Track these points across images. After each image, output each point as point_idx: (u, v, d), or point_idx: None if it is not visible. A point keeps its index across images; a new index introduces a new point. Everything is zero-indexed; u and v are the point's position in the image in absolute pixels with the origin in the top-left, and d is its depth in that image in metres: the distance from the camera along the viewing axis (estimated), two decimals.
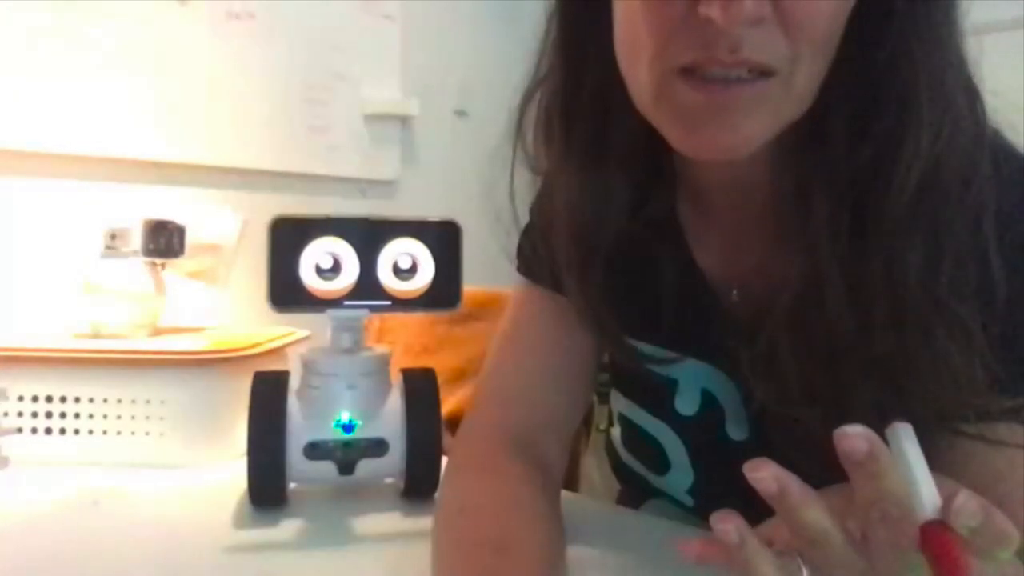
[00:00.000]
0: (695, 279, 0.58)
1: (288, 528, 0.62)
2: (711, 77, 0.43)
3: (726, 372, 0.58)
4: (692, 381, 0.60)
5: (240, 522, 0.63)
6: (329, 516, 0.65)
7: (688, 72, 0.43)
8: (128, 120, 1.20)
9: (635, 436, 0.66)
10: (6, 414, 0.75)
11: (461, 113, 1.74)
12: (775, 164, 0.51)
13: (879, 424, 0.34)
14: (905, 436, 0.33)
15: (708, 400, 0.59)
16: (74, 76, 1.15)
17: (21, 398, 0.76)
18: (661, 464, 0.64)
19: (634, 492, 0.72)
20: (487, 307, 1.17)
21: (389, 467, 0.66)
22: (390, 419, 0.66)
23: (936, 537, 0.30)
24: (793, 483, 0.34)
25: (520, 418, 0.62)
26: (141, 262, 0.88)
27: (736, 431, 0.59)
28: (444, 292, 0.66)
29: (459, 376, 1.17)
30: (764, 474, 0.34)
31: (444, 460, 0.66)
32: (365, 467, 0.65)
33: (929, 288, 0.44)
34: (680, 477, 0.63)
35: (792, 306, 0.49)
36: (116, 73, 1.19)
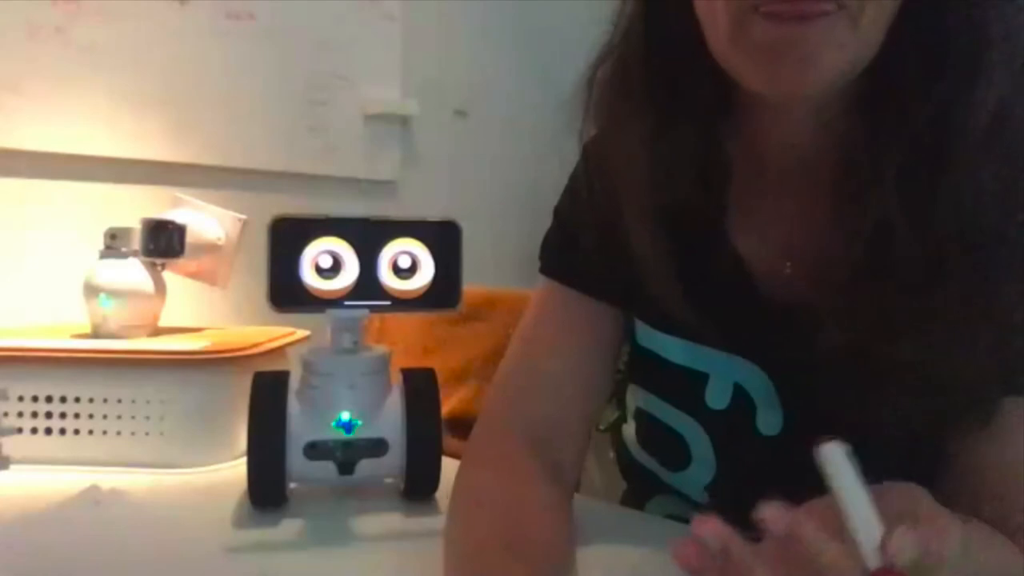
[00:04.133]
0: (734, 270, 0.58)
1: (288, 528, 0.62)
2: (786, 13, 0.45)
3: (760, 365, 0.58)
4: (724, 374, 0.60)
5: (240, 522, 0.63)
6: (329, 516, 0.65)
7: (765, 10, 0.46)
8: (128, 120, 1.20)
9: (655, 431, 0.66)
10: (6, 414, 0.75)
11: (461, 113, 1.73)
12: (845, 120, 0.53)
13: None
14: (839, 459, 0.33)
15: (739, 393, 0.59)
16: (74, 76, 1.15)
17: (21, 398, 0.76)
18: (682, 459, 0.64)
19: (639, 490, 0.72)
20: (487, 307, 1.17)
21: (389, 467, 0.66)
22: (390, 419, 0.66)
23: None
24: (736, 546, 0.35)
25: (536, 417, 0.62)
26: (141, 262, 0.88)
27: (767, 425, 0.59)
28: (444, 292, 0.66)
29: (459, 376, 1.17)
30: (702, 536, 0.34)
31: (444, 460, 0.66)
32: (365, 467, 0.65)
33: (1000, 226, 0.47)
34: (700, 473, 0.63)
35: (863, 257, 0.50)
36: (116, 73, 1.19)
